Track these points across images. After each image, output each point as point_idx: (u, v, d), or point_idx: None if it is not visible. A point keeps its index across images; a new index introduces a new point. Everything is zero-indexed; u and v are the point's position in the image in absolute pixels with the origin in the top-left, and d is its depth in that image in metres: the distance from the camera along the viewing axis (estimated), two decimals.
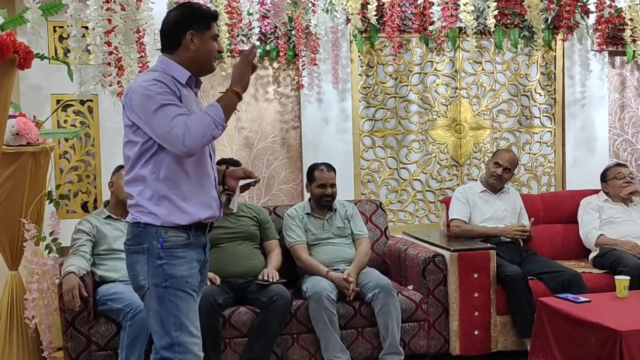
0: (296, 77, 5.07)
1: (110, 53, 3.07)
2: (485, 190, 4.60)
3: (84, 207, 4.77)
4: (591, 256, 4.53)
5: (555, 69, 5.47)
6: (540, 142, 5.50)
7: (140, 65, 4.13)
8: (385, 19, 4.84)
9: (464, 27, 4.88)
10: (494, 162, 4.58)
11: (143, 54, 4.21)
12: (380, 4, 4.82)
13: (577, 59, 5.46)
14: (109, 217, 3.97)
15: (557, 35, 5.35)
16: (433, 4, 4.77)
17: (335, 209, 4.32)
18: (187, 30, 2.57)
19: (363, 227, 4.35)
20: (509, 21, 5.20)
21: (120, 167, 3.97)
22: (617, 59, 5.59)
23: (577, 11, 5.15)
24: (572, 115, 5.48)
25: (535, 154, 5.49)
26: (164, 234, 2.52)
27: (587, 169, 5.41)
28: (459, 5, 4.66)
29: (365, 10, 4.80)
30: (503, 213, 4.53)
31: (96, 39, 2.89)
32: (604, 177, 4.79)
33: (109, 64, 3.05)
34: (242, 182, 2.76)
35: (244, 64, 2.58)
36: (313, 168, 4.32)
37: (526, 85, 5.45)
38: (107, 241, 3.87)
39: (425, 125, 5.33)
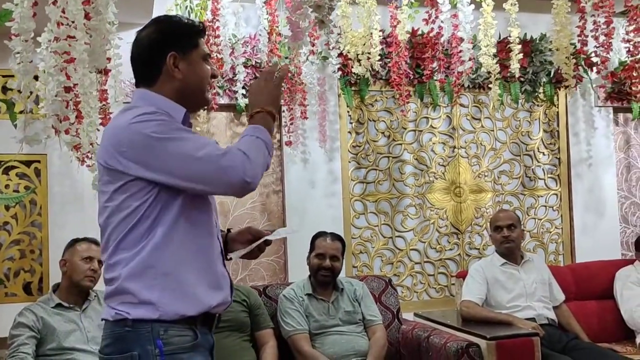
0: (278, 135, 4.21)
1: (68, 90, 2.14)
2: (507, 263, 3.74)
3: (26, 289, 3.83)
4: (639, 340, 3.70)
5: (558, 126, 4.77)
6: (545, 206, 4.74)
7: (102, 116, 3.21)
8: (390, 64, 4.04)
9: (462, 80, 4.17)
10: (494, 229, 3.78)
11: (105, 103, 3.29)
12: (382, 50, 4.04)
13: (580, 115, 4.78)
14: (59, 305, 2.96)
15: (560, 89, 4.67)
16: (462, 39, 3.97)
17: (342, 289, 3.40)
18: (167, 52, 1.73)
19: (376, 310, 3.42)
20: (509, 74, 4.45)
21: (75, 241, 3.03)
22: (620, 115, 4.94)
23: (580, 64, 4.50)
24: (579, 175, 4.76)
25: (540, 219, 4.72)
26: (162, 334, 1.62)
27: (596, 235, 4.70)
28: (480, 48, 3.89)
29: (363, 59, 4.00)
30: (532, 287, 3.65)
31: (50, 64, 1.96)
32: (639, 245, 3.99)
33: (67, 103, 2.11)
34: (255, 244, 1.86)
35: (279, 81, 1.79)
36: (317, 236, 3.44)
37: (528, 143, 4.72)
38: (57, 337, 2.87)
39: (422, 188, 4.52)
